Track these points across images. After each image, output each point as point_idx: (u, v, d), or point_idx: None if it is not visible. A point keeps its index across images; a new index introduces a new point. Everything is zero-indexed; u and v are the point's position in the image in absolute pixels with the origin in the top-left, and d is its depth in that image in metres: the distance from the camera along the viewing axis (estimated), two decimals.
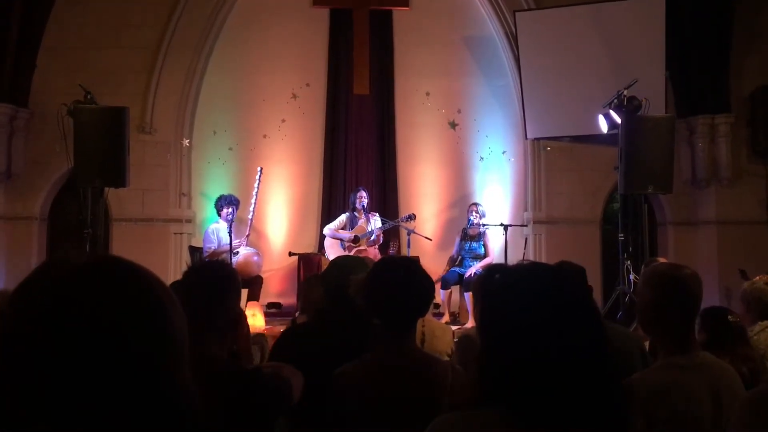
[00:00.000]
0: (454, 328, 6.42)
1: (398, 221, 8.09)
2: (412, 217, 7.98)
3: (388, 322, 2.27)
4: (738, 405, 1.91)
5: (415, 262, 2.40)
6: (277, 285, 8.73)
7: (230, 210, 7.70)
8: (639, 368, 2.56)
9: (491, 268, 2.94)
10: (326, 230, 8.11)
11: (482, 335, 1.33)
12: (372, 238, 7.92)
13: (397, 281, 2.27)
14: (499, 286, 1.34)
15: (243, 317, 3.88)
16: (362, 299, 2.34)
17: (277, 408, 2.19)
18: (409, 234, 7.99)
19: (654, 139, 6.59)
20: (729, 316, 3.41)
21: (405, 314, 2.28)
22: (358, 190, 8.08)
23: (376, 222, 8.04)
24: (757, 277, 3.96)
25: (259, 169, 8.11)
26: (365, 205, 8.00)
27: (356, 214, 8.01)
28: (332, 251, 7.89)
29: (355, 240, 7.91)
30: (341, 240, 7.94)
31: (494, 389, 1.24)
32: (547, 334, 1.21)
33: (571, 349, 1.20)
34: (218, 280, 2.26)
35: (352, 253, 7.71)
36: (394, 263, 2.51)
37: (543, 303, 1.24)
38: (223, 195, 7.90)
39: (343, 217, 8.09)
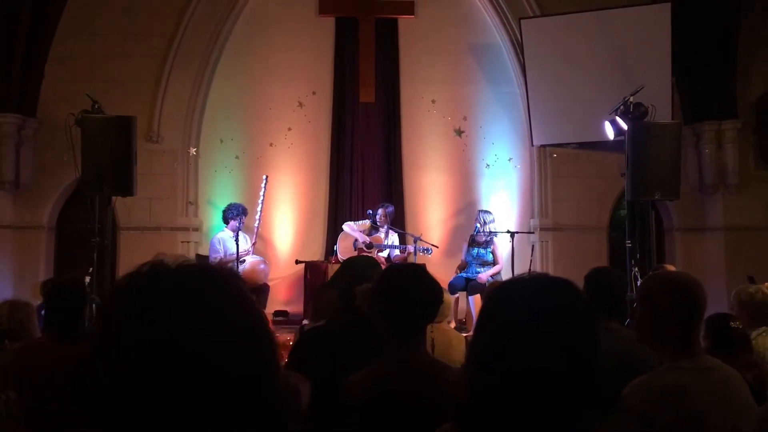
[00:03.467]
0: (462, 335, 6.42)
1: (415, 247, 8.05)
2: (429, 251, 7.98)
3: (397, 329, 2.27)
4: (757, 420, 1.91)
5: (422, 268, 2.41)
6: (283, 293, 8.74)
7: (238, 221, 7.72)
8: None
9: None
10: (346, 226, 8.22)
11: (473, 343, 1.34)
12: (384, 253, 8.03)
13: (405, 288, 2.27)
14: (494, 297, 1.35)
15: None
16: (370, 307, 2.34)
17: (285, 416, 2.19)
18: (415, 241, 8.02)
19: (661, 146, 6.57)
20: (732, 323, 3.41)
21: (413, 320, 2.28)
22: (382, 207, 8.14)
23: (394, 240, 8.18)
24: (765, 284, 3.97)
25: (264, 177, 8.14)
26: (383, 221, 8.10)
27: (378, 225, 8.10)
28: (343, 246, 8.13)
29: (369, 246, 7.99)
30: (356, 240, 8.09)
31: (480, 399, 1.25)
32: (534, 348, 1.21)
33: (556, 365, 1.20)
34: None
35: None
36: (402, 270, 2.52)
37: (532, 317, 1.24)
38: (231, 204, 7.91)
39: (367, 222, 8.16)
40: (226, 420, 0.80)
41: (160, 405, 0.78)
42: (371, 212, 8.18)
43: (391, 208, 8.21)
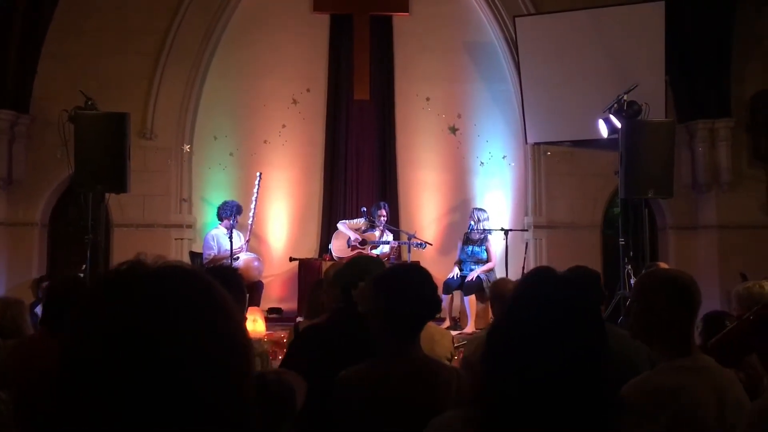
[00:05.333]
0: (454, 333, 6.43)
1: (411, 243, 8.06)
2: (423, 245, 7.96)
3: (396, 329, 2.28)
4: (747, 415, 1.91)
5: (422, 269, 2.41)
6: (277, 290, 8.73)
7: (233, 219, 7.71)
8: None
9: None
10: (341, 224, 8.20)
11: (490, 338, 1.34)
12: (378, 250, 8.02)
13: (406, 287, 2.28)
14: (518, 293, 1.36)
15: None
16: (368, 306, 2.34)
17: (281, 415, 2.19)
18: (409, 239, 8.02)
19: (654, 144, 6.60)
20: (726, 321, 3.42)
21: (414, 320, 2.29)
22: (382, 207, 8.13)
23: (388, 238, 8.18)
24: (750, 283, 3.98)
25: (258, 174, 8.13)
26: (384, 221, 8.08)
27: (374, 225, 8.08)
28: (337, 245, 8.08)
29: (362, 243, 7.99)
30: (349, 237, 8.06)
31: (494, 389, 1.26)
32: (550, 343, 1.22)
33: (570, 359, 1.21)
34: (225, 285, 2.25)
35: (354, 253, 7.76)
36: (403, 270, 2.53)
37: (548, 313, 1.25)
38: (226, 202, 7.89)
39: (362, 221, 8.15)
40: (185, 426, 0.80)
41: (120, 408, 0.78)
42: (365, 210, 8.18)
43: (388, 207, 8.24)
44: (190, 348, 0.81)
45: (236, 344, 0.87)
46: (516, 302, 1.34)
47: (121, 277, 0.85)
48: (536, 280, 1.37)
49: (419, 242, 7.97)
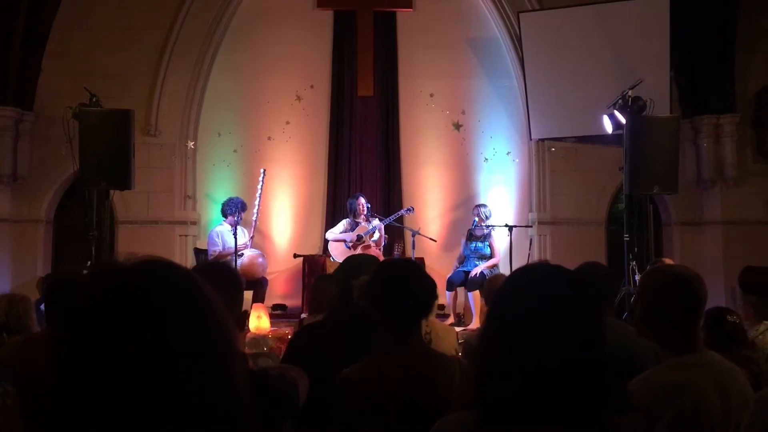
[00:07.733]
0: (458, 329, 6.43)
1: (398, 214, 8.09)
2: (411, 210, 8.00)
3: (394, 323, 2.29)
4: (754, 404, 1.92)
5: (416, 263, 2.45)
6: (282, 287, 8.74)
7: (237, 216, 7.70)
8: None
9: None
10: (329, 235, 8.09)
11: (482, 335, 1.34)
12: (375, 236, 7.91)
13: (399, 283, 2.30)
14: (504, 289, 1.35)
15: (245, 318, 3.90)
16: (366, 301, 2.36)
17: (283, 410, 2.20)
18: (413, 235, 8.00)
19: (659, 140, 6.58)
20: (728, 317, 3.42)
21: (409, 315, 2.31)
22: (357, 198, 8.03)
23: (374, 222, 8.05)
24: None
25: (262, 170, 8.13)
26: (366, 211, 7.98)
27: (357, 219, 7.99)
28: (337, 252, 7.91)
29: (359, 239, 7.93)
30: (345, 241, 7.94)
31: (488, 389, 1.25)
32: (546, 339, 1.21)
33: (567, 356, 1.20)
34: (222, 280, 2.26)
35: (358, 251, 7.71)
36: (396, 265, 2.55)
37: (543, 308, 1.24)
38: (231, 199, 7.88)
39: (344, 223, 8.06)
40: (175, 422, 0.80)
41: (111, 404, 0.78)
42: (352, 202, 8.06)
43: (363, 196, 8.10)
44: (177, 343, 0.81)
45: (222, 339, 0.87)
46: (504, 297, 1.33)
47: (109, 275, 0.85)
48: (526, 274, 1.36)
49: (408, 209, 8.03)
